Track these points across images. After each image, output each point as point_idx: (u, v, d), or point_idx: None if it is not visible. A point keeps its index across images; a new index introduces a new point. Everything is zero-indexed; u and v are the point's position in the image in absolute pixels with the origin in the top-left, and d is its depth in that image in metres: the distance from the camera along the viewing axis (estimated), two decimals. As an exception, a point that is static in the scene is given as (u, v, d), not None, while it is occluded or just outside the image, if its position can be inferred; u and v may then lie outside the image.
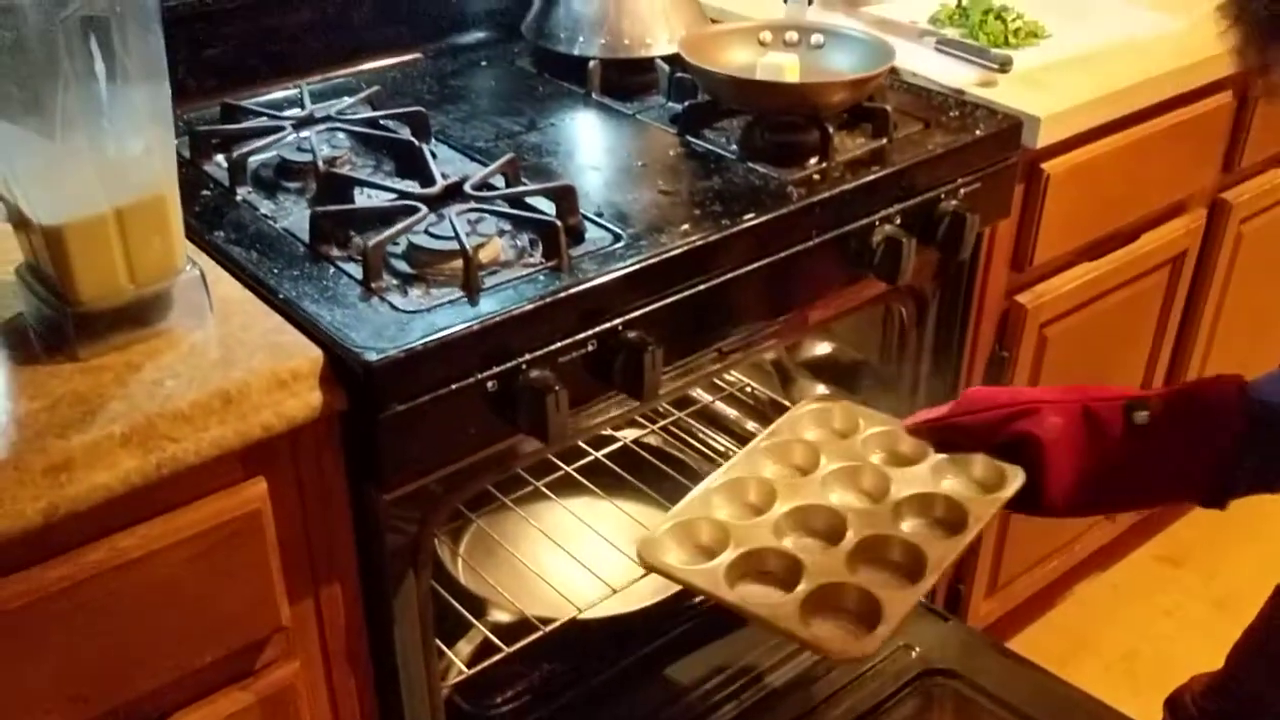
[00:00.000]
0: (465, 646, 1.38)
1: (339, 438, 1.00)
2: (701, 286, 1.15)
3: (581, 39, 1.53)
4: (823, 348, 1.68)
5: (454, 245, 1.06)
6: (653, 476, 1.65)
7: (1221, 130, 1.81)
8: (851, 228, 1.27)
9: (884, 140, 1.34)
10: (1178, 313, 1.95)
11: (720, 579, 1.09)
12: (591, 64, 1.49)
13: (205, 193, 1.21)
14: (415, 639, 1.12)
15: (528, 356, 1.03)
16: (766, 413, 1.78)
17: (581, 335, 1.07)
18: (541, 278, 1.07)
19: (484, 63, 1.60)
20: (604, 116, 1.45)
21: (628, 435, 1.71)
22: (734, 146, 1.34)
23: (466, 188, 1.16)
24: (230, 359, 0.94)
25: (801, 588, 1.07)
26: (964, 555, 1.14)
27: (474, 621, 1.40)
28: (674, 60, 1.44)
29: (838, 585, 1.08)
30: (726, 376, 1.80)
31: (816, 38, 1.47)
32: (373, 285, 1.04)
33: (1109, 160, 1.61)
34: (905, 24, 1.71)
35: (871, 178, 1.27)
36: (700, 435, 1.79)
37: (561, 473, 1.62)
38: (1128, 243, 1.76)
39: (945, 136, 1.37)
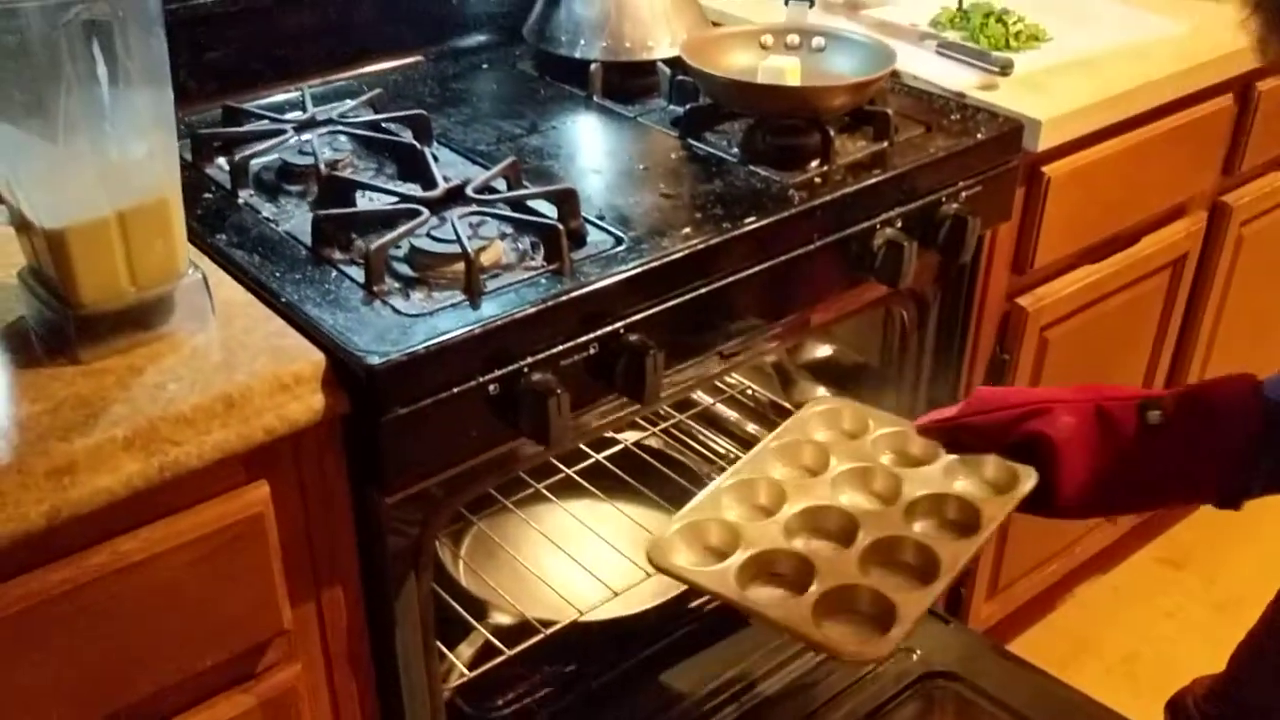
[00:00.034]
0: (466, 649, 1.38)
1: (341, 441, 1.00)
2: (703, 290, 1.15)
3: (583, 42, 1.53)
4: (823, 350, 1.68)
5: (456, 248, 1.06)
6: (653, 479, 1.65)
7: (1222, 133, 1.82)
8: (853, 231, 1.27)
9: (885, 143, 1.35)
10: (1178, 316, 1.95)
11: (731, 581, 1.08)
12: (593, 67, 1.49)
13: (207, 196, 1.21)
14: (417, 642, 1.12)
15: (529, 360, 1.03)
16: (767, 415, 1.78)
17: (583, 338, 1.07)
18: (543, 281, 1.07)
19: (485, 65, 1.60)
20: (605, 119, 1.45)
21: (628, 438, 1.71)
22: (735, 150, 1.34)
23: (468, 191, 1.16)
24: (232, 362, 0.95)
25: (814, 590, 1.06)
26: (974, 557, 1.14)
27: (475, 624, 1.40)
28: (675, 63, 1.44)
29: (850, 587, 1.07)
30: (727, 379, 1.80)
31: (818, 41, 1.47)
32: (375, 288, 1.04)
33: (1110, 163, 1.61)
34: (906, 27, 1.71)
35: (873, 181, 1.27)
36: (701, 438, 1.79)
37: (562, 475, 1.62)
38: (1128, 245, 1.76)
39: (946, 140, 1.37)
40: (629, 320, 1.10)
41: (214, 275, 1.04)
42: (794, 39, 1.47)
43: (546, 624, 1.38)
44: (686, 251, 1.13)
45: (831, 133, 1.31)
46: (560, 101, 1.49)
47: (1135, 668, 2.04)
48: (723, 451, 1.76)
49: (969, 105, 1.47)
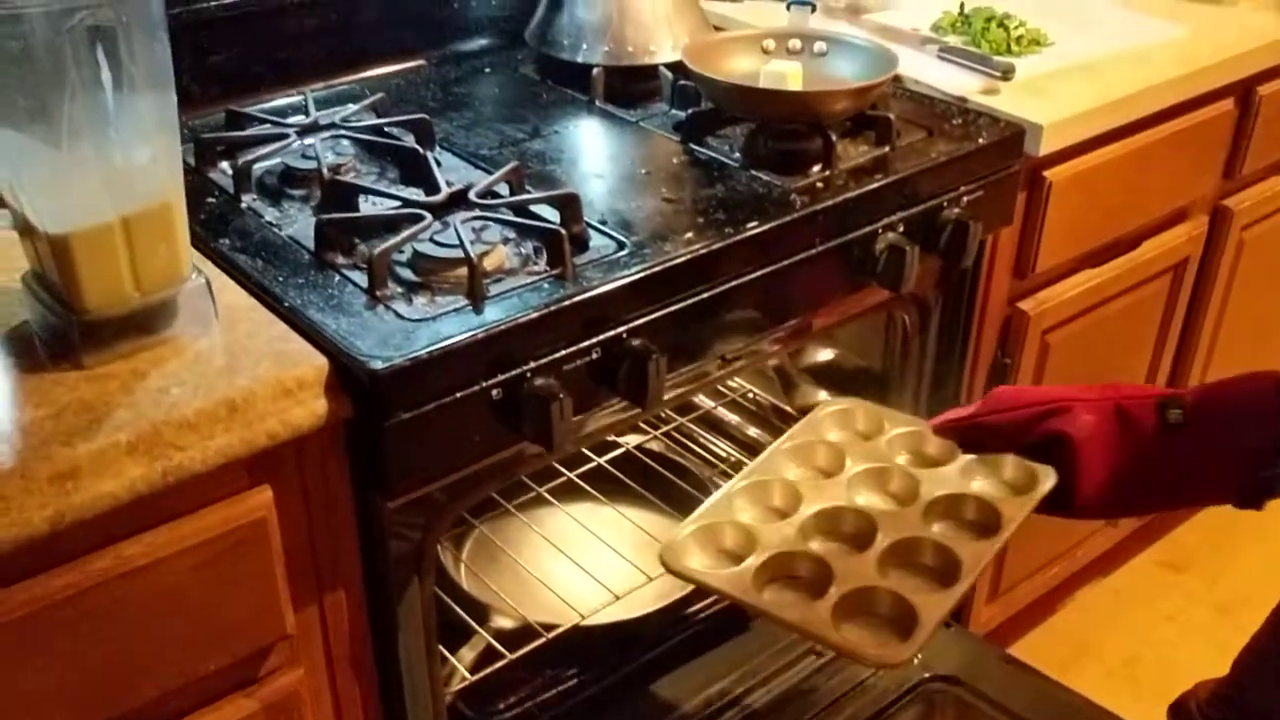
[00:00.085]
0: (468, 652, 1.38)
1: (344, 445, 1.01)
2: (705, 294, 1.15)
3: (585, 46, 1.53)
4: (825, 354, 1.69)
5: (459, 253, 1.07)
6: (655, 482, 1.66)
7: (1223, 138, 1.82)
8: (854, 236, 1.27)
9: (887, 148, 1.35)
10: (1179, 319, 1.95)
11: (748, 584, 1.07)
12: (595, 71, 1.50)
13: (210, 200, 1.22)
14: (419, 646, 1.13)
15: (532, 364, 1.04)
16: (769, 418, 1.79)
17: (586, 343, 1.07)
18: (546, 286, 1.07)
19: (488, 70, 1.61)
20: (607, 124, 1.45)
21: (630, 441, 1.72)
22: (737, 154, 1.34)
23: (471, 195, 1.17)
24: (236, 367, 0.95)
25: (833, 592, 1.05)
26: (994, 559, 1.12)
27: (477, 628, 1.40)
28: (677, 68, 1.44)
29: (869, 589, 1.05)
30: (729, 383, 1.80)
31: (819, 45, 1.47)
32: (378, 293, 1.05)
33: (1111, 168, 1.61)
34: (907, 31, 1.71)
35: (874, 186, 1.28)
36: (702, 441, 1.79)
37: (564, 479, 1.63)
38: (1129, 250, 1.76)
39: (948, 144, 1.37)
40: (631, 325, 1.10)
41: (217, 280, 1.04)
42: (796, 44, 1.47)
43: (548, 628, 1.39)
44: (689, 256, 1.13)
45: (833, 137, 1.31)
46: (562, 106, 1.49)
47: (1136, 671, 2.04)
48: (724, 455, 1.76)
49: (970, 110, 1.47)
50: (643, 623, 1.46)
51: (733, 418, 1.82)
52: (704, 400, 1.80)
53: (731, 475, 1.69)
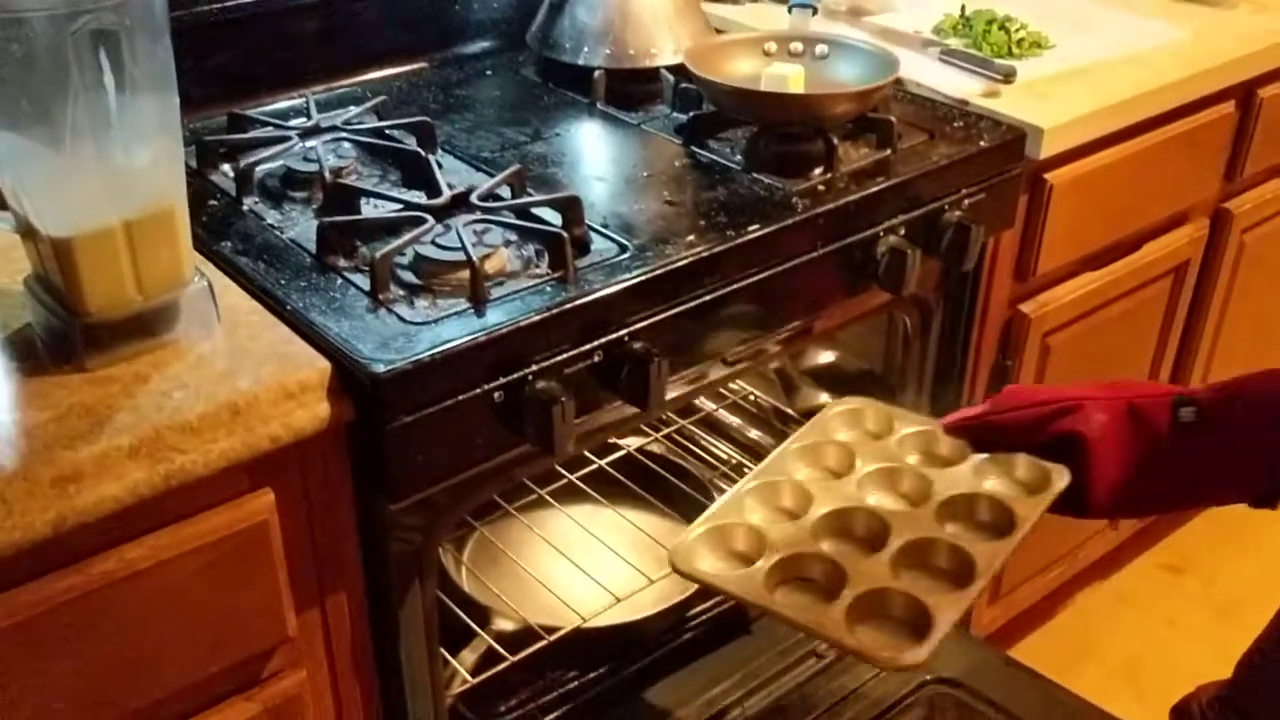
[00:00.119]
0: (469, 655, 1.38)
1: (345, 448, 1.01)
2: (707, 297, 1.15)
3: (586, 49, 1.53)
4: (826, 356, 1.69)
5: (460, 256, 1.07)
6: (656, 485, 1.66)
7: (1224, 140, 1.82)
8: (856, 238, 1.27)
9: (888, 151, 1.35)
10: (1180, 322, 1.95)
11: (760, 586, 1.05)
12: (596, 74, 1.50)
13: (212, 203, 1.22)
14: (420, 648, 1.13)
15: (534, 367, 1.04)
16: (770, 421, 1.79)
17: (587, 346, 1.07)
18: (548, 289, 1.07)
19: (489, 72, 1.61)
20: (609, 127, 1.45)
21: (631, 443, 1.72)
22: (739, 157, 1.34)
23: (473, 198, 1.17)
24: (238, 370, 0.95)
25: (846, 594, 1.03)
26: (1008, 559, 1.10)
27: (478, 630, 1.40)
28: (679, 70, 1.44)
29: (883, 591, 1.04)
30: (730, 385, 1.80)
31: (821, 48, 1.47)
32: (380, 296, 1.05)
33: (1112, 170, 1.61)
34: (909, 34, 1.71)
35: (876, 188, 1.28)
36: (703, 443, 1.79)
37: (565, 481, 1.63)
38: (1130, 252, 1.76)
39: (949, 147, 1.37)
40: (633, 328, 1.10)
41: (219, 283, 1.04)
42: (797, 46, 1.48)
43: (549, 630, 1.38)
44: (690, 259, 1.13)
45: (835, 140, 1.31)
46: (564, 108, 1.49)
47: (1137, 673, 2.04)
48: (726, 457, 1.76)
49: (972, 113, 1.47)
50: (643, 625, 1.46)
51: (734, 420, 1.82)
52: (705, 402, 1.80)
53: (733, 477, 1.70)
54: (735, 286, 1.17)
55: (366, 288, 1.06)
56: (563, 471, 1.62)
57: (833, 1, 1.80)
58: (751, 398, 1.81)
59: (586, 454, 1.63)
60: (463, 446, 1.03)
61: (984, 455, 1.17)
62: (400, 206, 1.17)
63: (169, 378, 0.93)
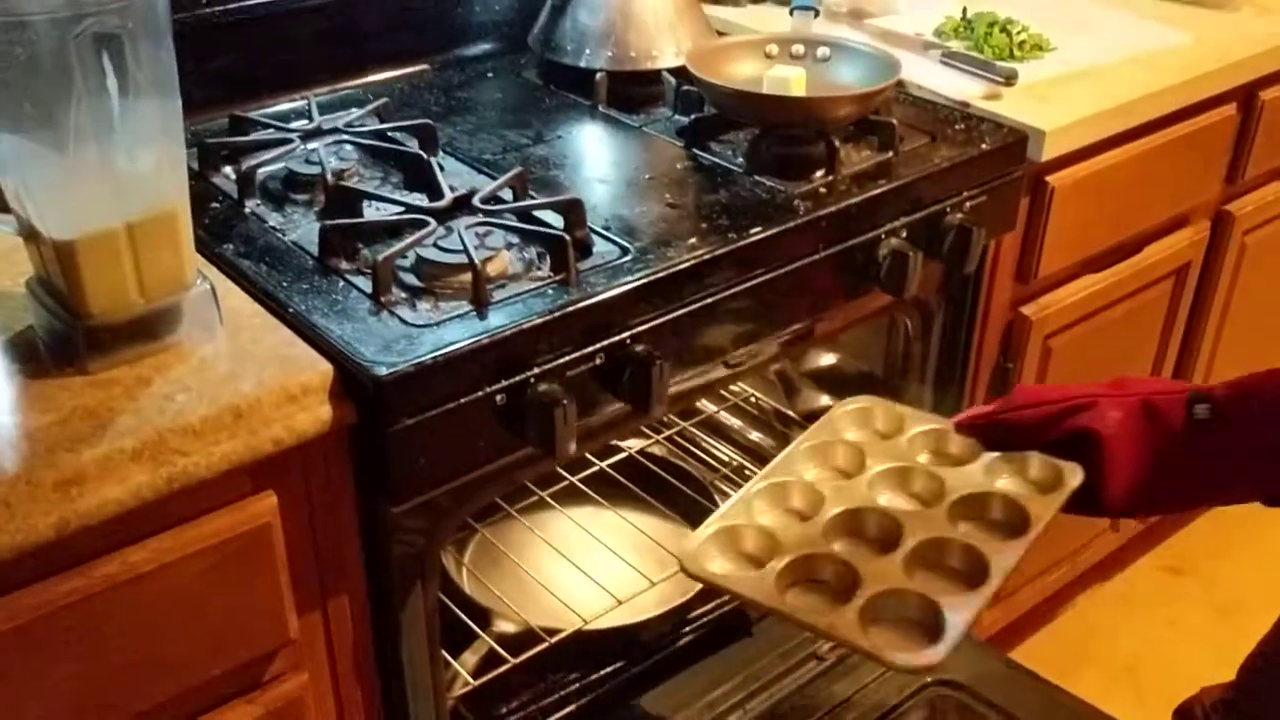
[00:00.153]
0: (470, 657, 1.38)
1: (348, 451, 1.01)
2: (708, 300, 1.15)
3: (588, 51, 1.53)
4: (827, 359, 1.69)
5: (463, 259, 1.07)
6: (657, 486, 1.66)
7: (1225, 142, 1.82)
8: (858, 241, 1.27)
9: (890, 154, 1.35)
10: (1182, 324, 1.95)
11: (772, 588, 1.04)
12: (598, 76, 1.50)
13: (214, 205, 1.22)
14: (422, 651, 1.13)
15: (536, 370, 1.04)
16: (771, 423, 1.79)
17: (589, 349, 1.07)
18: (550, 291, 1.07)
19: (490, 74, 1.61)
20: (610, 129, 1.45)
21: (632, 445, 1.72)
22: (740, 159, 1.34)
23: (475, 201, 1.17)
24: (240, 373, 0.95)
25: (860, 596, 1.02)
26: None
27: (479, 632, 1.40)
28: (680, 73, 1.44)
29: (897, 592, 1.03)
30: (731, 387, 1.80)
31: (822, 51, 1.47)
32: (382, 299, 1.05)
33: (1113, 173, 1.61)
34: (910, 37, 1.71)
35: (878, 191, 1.28)
36: (704, 445, 1.79)
37: (566, 483, 1.63)
38: (1132, 254, 1.76)
39: (951, 150, 1.37)
40: (635, 330, 1.10)
41: (221, 285, 1.04)
42: (799, 49, 1.48)
43: (550, 632, 1.38)
44: (692, 262, 1.13)
45: (836, 143, 1.31)
46: (565, 111, 1.49)
47: (1138, 675, 2.04)
48: (727, 459, 1.76)
49: (973, 115, 1.47)
50: (645, 627, 1.46)
51: (735, 422, 1.82)
52: (706, 405, 1.80)
53: (734, 479, 1.70)
54: (737, 289, 1.18)
55: (369, 290, 1.06)
56: (564, 473, 1.62)
57: (834, 4, 1.80)
58: (752, 400, 1.81)
59: (587, 456, 1.63)
60: (465, 449, 1.03)
61: (996, 454, 1.16)
62: (402, 209, 1.17)
63: (171, 380, 0.94)
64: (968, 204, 1.37)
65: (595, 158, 1.41)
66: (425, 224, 1.11)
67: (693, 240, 1.16)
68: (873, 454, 1.19)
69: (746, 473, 1.70)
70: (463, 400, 1.00)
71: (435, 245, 1.10)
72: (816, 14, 1.59)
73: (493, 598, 1.47)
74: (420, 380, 0.97)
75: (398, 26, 1.57)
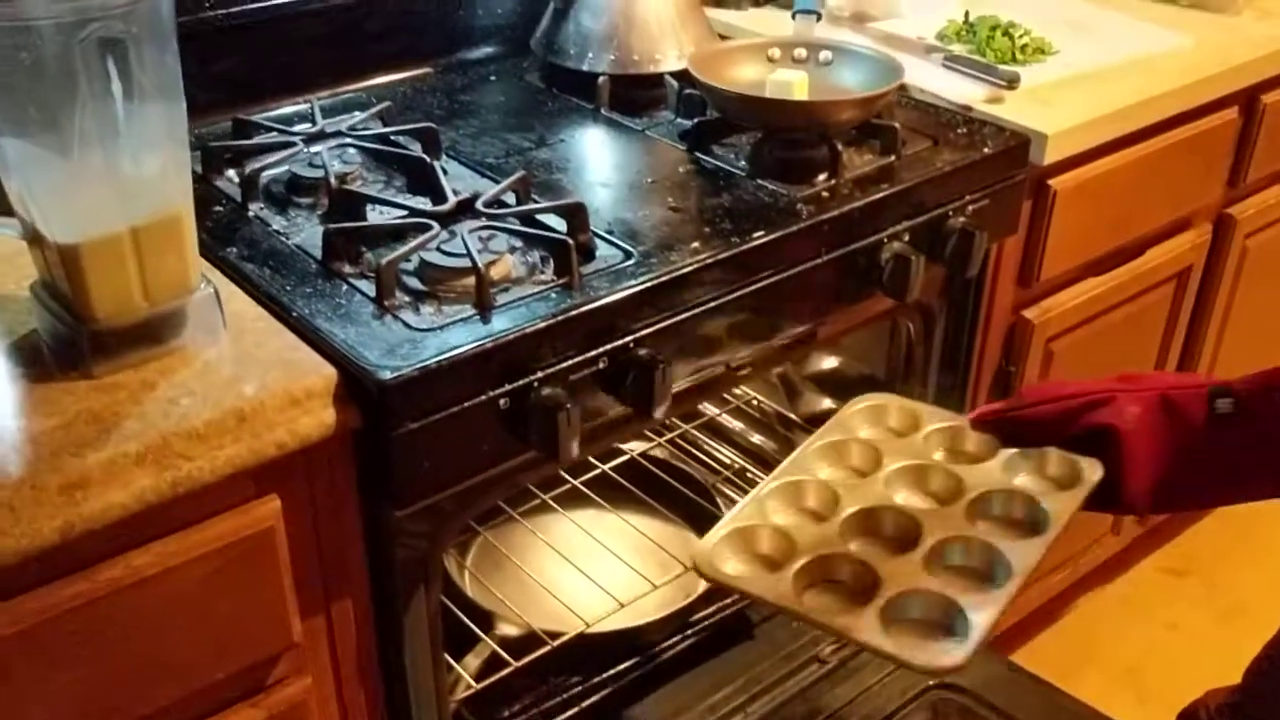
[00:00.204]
0: (473, 660, 1.38)
1: (351, 455, 1.01)
2: (711, 303, 1.16)
3: (591, 55, 1.53)
4: (830, 362, 1.69)
5: (466, 263, 1.07)
6: (659, 489, 1.66)
7: (1227, 146, 1.82)
8: (860, 245, 1.27)
9: (892, 157, 1.35)
10: (1183, 327, 1.95)
11: (789, 590, 1.02)
12: (601, 80, 1.50)
13: (217, 208, 1.22)
14: (425, 654, 1.13)
15: (539, 374, 1.04)
16: (773, 426, 1.79)
17: (593, 352, 1.07)
18: (553, 295, 1.07)
19: (493, 78, 1.61)
20: (613, 132, 1.46)
21: (634, 448, 1.72)
22: (743, 163, 1.35)
23: (478, 205, 1.17)
24: (244, 377, 0.95)
25: (880, 596, 1.00)
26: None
27: (482, 635, 1.40)
28: (683, 76, 1.45)
29: (917, 592, 1.01)
30: (733, 390, 1.80)
31: (825, 54, 1.47)
32: (386, 303, 1.05)
33: (1115, 176, 1.61)
34: (912, 40, 1.71)
35: (880, 195, 1.28)
36: (707, 448, 1.79)
37: (568, 486, 1.63)
38: (1133, 258, 1.76)
39: (953, 154, 1.37)
40: (638, 334, 1.10)
41: (225, 289, 1.04)
42: (801, 52, 1.48)
43: (553, 635, 1.39)
44: (695, 266, 1.13)
45: (839, 146, 1.31)
46: (568, 114, 1.49)
47: (1139, 678, 2.04)
48: (729, 462, 1.76)
49: (975, 119, 1.47)
50: (647, 630, 1.46)
51: (737, 425, 1.82)
52: (708, 408, 1.80)
53: (736, 482, 1.70)
54: (740, 293, 1.18)
55: (372, 294, 1.06)
56: (566, 476, 1.62)
57: (836, 7, 1.81)
58: (755, 403, 1.81)
59: (590, 459, 1.63)
60: (468, 453, 1.03)
61: (1013, 450, 1.14)
62: (405, 213, 1.17)
63: (176, 384, 0.94)
64: (970, 207, 1.37)
65: (598, 161, 1.41)
66: (428, 228, 1.12)
67: (695, 244, 1.16)
68: (889, 451, 1.17)
69: (749, 475, 1.70)
70: (466, 404, 1.00)
71: (438, 249, 1.10)
72: (819, 17, 1.60)
73: (495, 601, 1.47)
74: (424, 384, 0.97)
75: (400, 30, 1.58)
